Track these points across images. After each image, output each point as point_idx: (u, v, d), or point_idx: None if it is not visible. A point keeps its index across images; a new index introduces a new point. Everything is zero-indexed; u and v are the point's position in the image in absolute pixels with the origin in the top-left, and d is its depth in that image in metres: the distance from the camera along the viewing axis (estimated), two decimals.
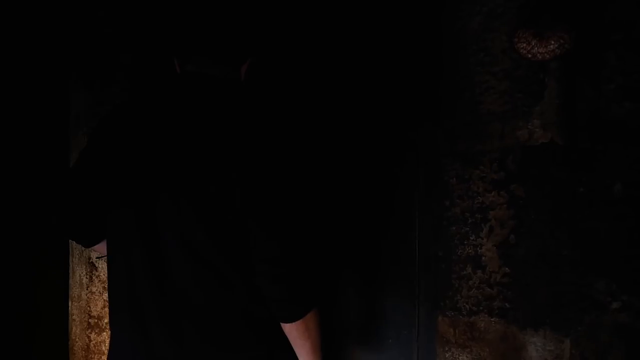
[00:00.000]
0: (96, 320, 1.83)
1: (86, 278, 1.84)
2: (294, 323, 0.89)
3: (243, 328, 0.90)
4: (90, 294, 1.84)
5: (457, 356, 1.42)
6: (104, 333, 1.81)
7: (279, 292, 0.86)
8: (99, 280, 1.82)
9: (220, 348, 0.89)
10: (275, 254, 0.85)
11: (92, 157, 0.97)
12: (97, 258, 1.57)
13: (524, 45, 1.29)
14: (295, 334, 0.91)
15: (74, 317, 1.89)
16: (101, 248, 1.07)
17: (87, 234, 1.05)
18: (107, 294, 1.81)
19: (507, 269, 1.36)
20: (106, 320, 1.81)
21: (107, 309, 1.80)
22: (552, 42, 1.25)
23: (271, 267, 0.85)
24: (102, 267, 1.81)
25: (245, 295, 0.89)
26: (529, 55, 1.29)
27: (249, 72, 0.97)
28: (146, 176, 0.89)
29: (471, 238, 1.40)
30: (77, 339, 1.88)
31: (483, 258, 1.39)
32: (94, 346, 1.84)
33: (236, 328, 0.89)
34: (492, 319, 1.38)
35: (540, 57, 1.27)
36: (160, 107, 0.93)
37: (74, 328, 1.89)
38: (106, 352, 1.82)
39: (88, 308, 1.84)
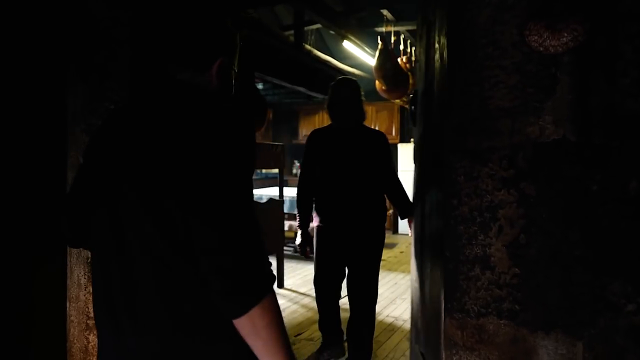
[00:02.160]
0: (94, 322, 1.79)
1: (84, 278, 1.80)
2: (239, 319, 0.85)
3: (209, 322, 0.89)
4: (88, 294, 1.80)
5: (464, 359, 1.38)
6: None
7: (219, 284, 0.84)
8: None
9: (190, 340, 0.89)
10: (213, 245, 0.83)
11: (84, 163, 1.05)
12: None
13: (536, 37, 1.25)
14: (243, 331, 0.86)
15: (72, 318, 1.85)
16: None
17: (78, 235, 1.08)
18: None
19: (517, 269, 1.32)
20: None
21: None
22: (565, 35, 1.20)
23: (209, 258, 0.84)
24: None
25: (200, 292, 0.88)
26: (541, 48, 1.25)
27: (220, 76, 1.01)
28: (113, 180, 0.93)
29: (480, 238, 1.36)
30: (75, 341, 1.84)
31: (492, 258, 1.34)
32: (92, 348, 1.80)
33: (201, 322, 0.89)
34: (501, 321, 1.34)
35: (552, 50, 1.23)
36: (137, 110, 0.96)
37: (72, 329, 1.85)
38: None
39: (86, 309, 1.81)
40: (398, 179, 2.67)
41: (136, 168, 0.89)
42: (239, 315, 0.84)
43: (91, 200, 0.99)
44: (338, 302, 2.69)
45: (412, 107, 2.23)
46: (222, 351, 0.91)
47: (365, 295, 2.57)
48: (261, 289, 0.85)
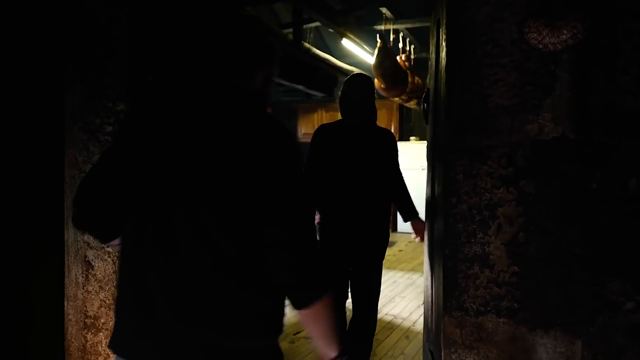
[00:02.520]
0: (92, 320, 1.79)
1: (82, 277, 1.79)
2: (304, 310, 0.94)
3: (253, 318, 0.94)
4: (86, 293, 1.79)
5: (463, 358, 1.38)
6: (101, 333, 1.77)
7: (290, 279, 0.93)
8: (95, 280, 1.77)
9: (227, 335, 0.93)
10: (285, 244, 0.91)
11: (117, 153, 1.03)
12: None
13: (535, 35, 1.24)
14: (306, 319, 0.97)
15: (69, 317, 1.85)
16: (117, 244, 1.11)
17: (107, 228, 1.08)
18: (102, 294, 1.77)
19: (516, 267, 1.32)
20: (103, 320, 1.77)
21: (103, 309, 1.76)
22: (565, 32, 1.20)
23: (280, 255, 0.92)
24: (99, 266, 1.76)
25: (255, 288, 0.94)
26: (540, 46, 1.24)
27: (263, 82, 1.07)
28: (165, 174, 0.95)
29: (479, 236, 1.35)
30: (73, 340, 1.83)
31: (491, 256, 1.34)
32: (91, 347, 1.79)
33: (246, 318, 0.94)
34: (500, 320, 1.33)
35: (551, 47, 1.23)
36: (180, 110, 0.99)
37: (69, 328, 1.84)
38: (103, 352, 1.78)
39: (84, 308, 1.80)
40: (403, 180, 2.64)
41: (205, 167, 0.92)
42: (306, 306, 0.94)
43: (126, 196, 0.99)
44: (345, 304, 2.64)
45: (424, 105, 2.19)
46: (264, 347, 0.98)
47: (369, 294, 2.54)
48: (325, 284, 0.95)
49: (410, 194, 2.64)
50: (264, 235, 0.91)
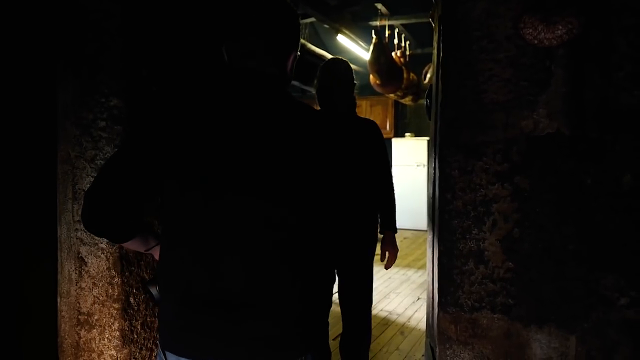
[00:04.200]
0: (86, 317, 1.77)
1: (75, 273, 1.78)
2: None
3: (311, 310, 0.98)
4: (79, 289, 1.78)
5: (458, 354, 1.38)
6: (94, 330, 1.76)
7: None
8: (89, 276, 1.76)
9: (290, 327, 0.94)
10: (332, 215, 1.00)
11: (147, 147, 0.95)
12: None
13: (530, 31, 1.24)
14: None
15: (62, 313, 1.83)
16: (132, 245, 1.07)
17: (128, 227, 1.00)
18: (96, 290, 1.76)
19: (510, 264, 1.32)
20: (96, 316, 1.76)
21: (96, 305, 1.75)
22: (560, 28, 1.20)
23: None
24: (92, 262, 1.75)
25: (314, 280, 0.98)
26: (535, 42, 1.24)
27: (292, 68, 1.06)
28: (212, 163, 0.92)
29: (474, 232, 1.35)
30: (66, 336, 1.82)
31: (486, 253, 1.34)
32: (84, 343, 1.78)
33: (306, 309, 0.96)
34: (495, 316, 1.34)
35: (547, 43, 1.22)
36: (220, 100, 0.96)
37: (62, 325, 1.83)
38: (96, 349, 1.77)
39: (77, 304, 1.79)
40: (391, 180, 2.39)
41: (259, 160, 0.92)
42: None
43: (152, 193, 0.95)
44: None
45: (428, 101, 2.09)
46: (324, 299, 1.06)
47: (360, 302, 2.26)
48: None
49: (405, 193, 2.40)
50: (323, 208, 0.97)
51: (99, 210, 0.94)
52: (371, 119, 2.47)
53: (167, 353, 0.95)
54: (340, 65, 2.31)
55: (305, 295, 0.96)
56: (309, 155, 0.95)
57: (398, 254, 2.39)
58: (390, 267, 2.34)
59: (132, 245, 1.07)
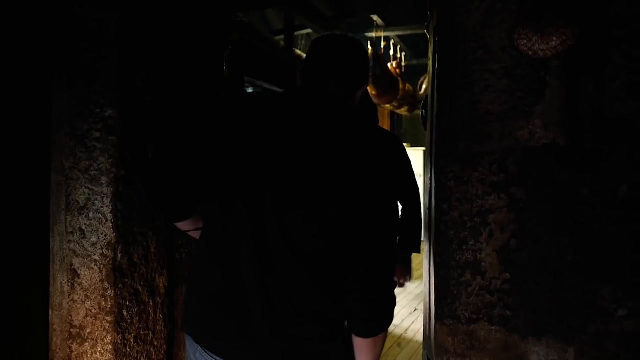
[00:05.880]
0: (78, 330, 1.74)
1: (67, 286, 1.75)
2: (367, 339, 0.99)
3: (325, 321, 0.98)
4: (72, 302, 1.75)
5: None
6: (86, 343, 1.73)
7: (362, 310, 0.97)
8: (81, 288, 1.74)
9: (306, 333, 0.97)
10: (369, 281, 0.96)
11: (211, 136, 1.04)
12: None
13: (525, 42, 1.24)
14: (359, 347, 1.01)
15: (54, 326, 1.80)
16: (185, 226, 1.15)
17: (184, 208, 1.12)
18: (89, 303, 1.73)
19: (507, 275, 1.31)
20: (89, 330, 1.73)
21: (89, 318, 1.72)
22: (554, 39, 1.20)
23: (363, 289, 0.96)
24: (85, 274, 1.73)
25: (334, 297, 0.98)
26: (530, 52, 1.24)
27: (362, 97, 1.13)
28: (262, 173, 0.96)
29: (470, 243, 1.34)
30: (58, 350, 1.79)
31: (483, 264, 1.33)
32: (76, 357, 1.75)
33: (320, 321, 0.98)
34: (492, 327, 1.32)
35: (541, 54, 1.23)
36: (287, 114, 1.01)
37: (54, 338, 1.80)
38: None
39: (70, 317, 1.76)
40: (418, 194, 2.11)
41: (302, 176, 0.94)
42: (367, 337, 0.98)
43: (214, 179, 1.02)
44: None
45: (423, 112, 2.13)
46: (339, 343, 1.02)
47: None
48: (389, 322, 1.00)
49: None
50: (349, 267, 0.94)
51: (161, 186, 1.09)
52: None
53: (187, 336, 1.06)
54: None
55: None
56: (352, 179, 0.94)
57: None
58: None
59: (184, 226, 1.16)
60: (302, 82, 1.10)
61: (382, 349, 1.04)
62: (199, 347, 1.02)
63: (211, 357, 1.00)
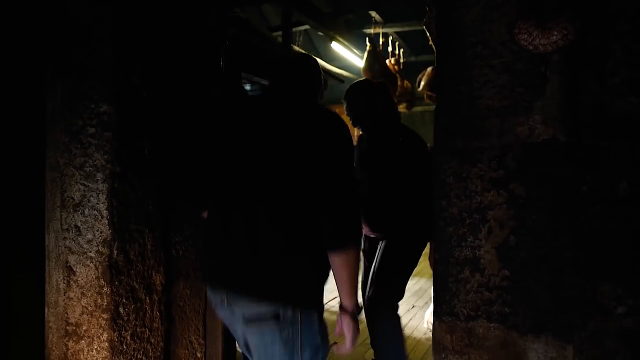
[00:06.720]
0: (74, 328, 1.73)
1: (63, 283, 1.74)
2: (337, 252, 1.26)
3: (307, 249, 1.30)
4: (67, 299, 1.74)
5: None
6: (82, 341, 1.72)
7: (333, 228, 1.25)
8: (77, 286, 1.72)
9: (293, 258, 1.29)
10: (335, 203, 1.26)
11: (206, 150, 1.44)
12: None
13: (525, 36, 1.23)
14: (337, 262, 1.27)
15: (50, 324, 1.79)
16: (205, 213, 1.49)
17: (204, 202, 1.48)
18: (85, 300, 1.72)
19: (506, 272, 1.30)
20: (85, 327, 1.71)
21: (85, 316, 1.71)
22: (555, 33, 1.19)
23: (331, 210, 1.26)
24: (80, 271, 1.71)
25: (309, 258, 1.30)
26: (530, 47, 1.23)
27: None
28: (239, 156, 1.34)
29: (469, 239, 1.33)
30: (53, 348, 1.78)
31: (482, 260, 1.32)
32: (72, 355, 1.74)
33: (302, 248, 1.30)
34: (491, 325, 1.31)
35: (542, 48, 1.21)
36: (256, 111, 1.40)
37: (50, 336, 1.79)
38: None
39: (65, 315, 1.75)
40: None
41: (285, 146, 1.28)
42: (337, 248, 1.26)
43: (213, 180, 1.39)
44: None
45: None
46: (311, 266, 1.31)
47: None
48: (357, 237, 1.29)
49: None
50: (322, 195, 1.25)
51: (187, 188, 1.57)
52: None
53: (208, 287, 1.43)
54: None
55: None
56: (302, 146, 1.28)
57: None
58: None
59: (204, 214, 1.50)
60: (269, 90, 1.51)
61: (355, 269, 1.30)
62: (209, 285, 1.39)
63: (215, 290, 1.37)
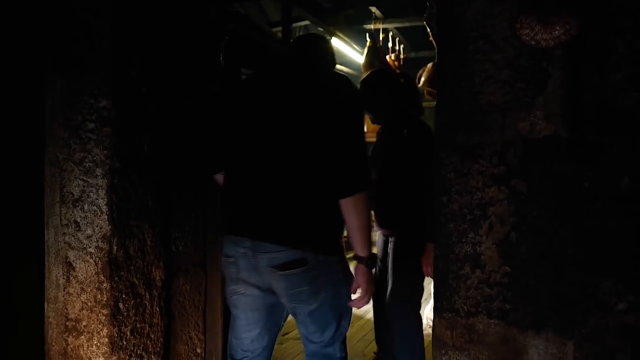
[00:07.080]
0: (74, 323, 1.73)
1: (63, 279, 1.74)
2: (348, 198, 1.40)
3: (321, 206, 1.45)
4: (67, 295, 1.74)
5: None
6: (82, 336, 1.72)
7: (344, 178, 1.41)
8: (77, 281, 1.72)
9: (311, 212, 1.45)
10: (348, 159, 1.43)
11: (227, 109, 1.59)
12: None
13: (527, 31, 1.22)
14: (347, 206, 1.41)
15: (50, 319, 1.79)
16: (218, 178, 1.63)
17: (219, 164, 1.61)
18: (84, 296, 1.72)
19: (507, 268, 1.29)
20: (84, 323, 1.71)
21: (85, 311, 1.71)
22: (557, 28, 1.18)
23: (344, 164, 1.41)
24: (80, 267, 1.71)
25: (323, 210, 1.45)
26: (532, 42, 1.22)
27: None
28: (256, 122, 1.49)
29: (470, 236, 1.33)
30: (53, 343, 1.78)
31: (482, 257, 1.32)
32: (72, 350, 1.74)
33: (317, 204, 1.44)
34: (491, 321, 1.31)
35: (544, 43, 1.21)
36: (273, 81, 1.55)
37: (50, 331, 1.79)
38: (84, 356, 1.72)
39: (65, 310, 1.74)
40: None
41: (305, 113, 1.43)
42: (348, 194, 1.40)
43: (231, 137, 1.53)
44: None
45: None
46: (330, 216, 1.45)
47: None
48: (364, 183, 1.43)
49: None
50: (337, 154, 1.40)
51: (205, 157, 1.70)
52: (365, 122, 2.53)
53: (225, 239, 1.54)
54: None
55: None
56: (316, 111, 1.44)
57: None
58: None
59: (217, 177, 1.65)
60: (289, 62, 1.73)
61: (365, 217, 1.43)
62: (232, 237, 1.48)
63: (238, 242, 1.46)
